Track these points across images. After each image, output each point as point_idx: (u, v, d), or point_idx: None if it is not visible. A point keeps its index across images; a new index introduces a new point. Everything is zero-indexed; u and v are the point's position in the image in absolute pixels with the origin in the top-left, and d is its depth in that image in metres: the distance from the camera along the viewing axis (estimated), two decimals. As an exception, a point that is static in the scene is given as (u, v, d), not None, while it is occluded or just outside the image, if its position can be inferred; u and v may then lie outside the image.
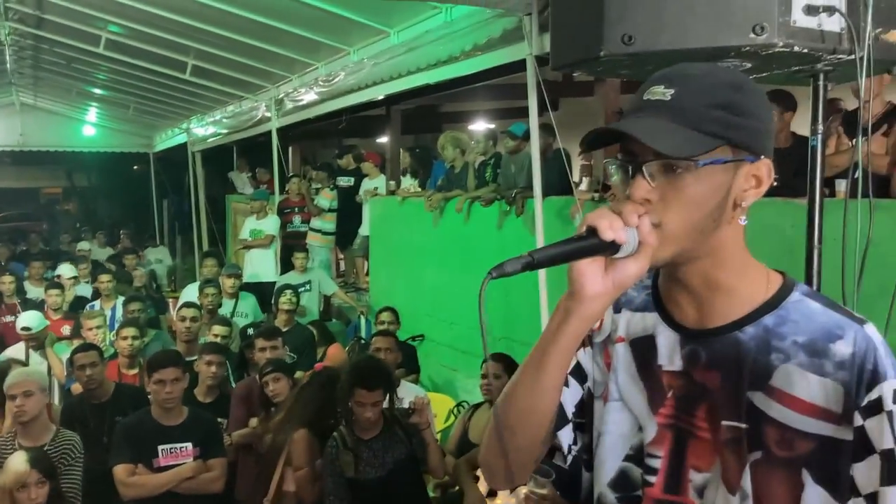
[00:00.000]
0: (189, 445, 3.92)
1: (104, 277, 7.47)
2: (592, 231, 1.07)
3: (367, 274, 9.40)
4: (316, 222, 9.58)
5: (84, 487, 4.05)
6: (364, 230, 9.17)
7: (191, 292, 7.24)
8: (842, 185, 3.79)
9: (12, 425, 4.12)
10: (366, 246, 9.21)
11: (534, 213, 5.09)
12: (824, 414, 1.10)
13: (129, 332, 5.45)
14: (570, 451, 1.32)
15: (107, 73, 10.53)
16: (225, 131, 11.51)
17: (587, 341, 1.32)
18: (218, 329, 5.75)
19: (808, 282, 2.09)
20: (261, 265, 9.05)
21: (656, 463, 1.22)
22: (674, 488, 1.20)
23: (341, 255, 10.76)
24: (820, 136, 2.04)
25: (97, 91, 12.68)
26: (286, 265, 8.72)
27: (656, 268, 1.16)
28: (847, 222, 1.90)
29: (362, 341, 6.78)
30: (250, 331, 5.96)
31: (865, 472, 1.08)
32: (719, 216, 1.12)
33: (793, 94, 4.46)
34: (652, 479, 1.22)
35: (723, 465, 1.16)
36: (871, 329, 1.13)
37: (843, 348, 1.10)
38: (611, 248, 1.07)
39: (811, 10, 1.69)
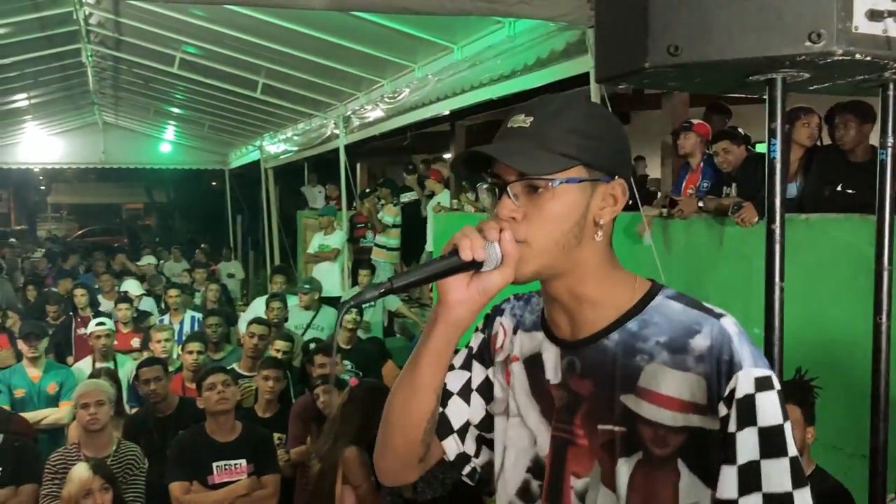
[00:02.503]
0: (243, 462, 3.93)
1: (173, 292, 7.61)
2: (454, 250, 1.15)
3: (430, 290, 9.37)
4: (380, 238, 9.63)
5: (148, 500, 4.12)
6: (430, 246, 9.16)
7: (258, 306, 7.33)
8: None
9: (77, 436, 4.21)
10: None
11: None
12: (691, 407, 1.15)
13: (195, 346, 5.53)
14: (468, 461, 1.41)
15: (182, 93, 10.84)
16: (296, 148, 11.69)
17: (492, 360, 1.39)
18: (280, 344, 5.78)
19: (878, 307, 1.95)
20: (327, 279, 9.10)
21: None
22: (555, 497, 1.26)
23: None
24: (889, 150, 1.89)
25: (174, 110, 13.06)
26: (356, 280, 8.77)
27: (521, 283, 1.21)
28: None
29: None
30: (312, 345, 5.97)
31: (729, 456, 1.12)
32: (580, 233, 1.19)
33: (873, 105, 4.24)
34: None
35: (601, 468, 1.21)
36: (727, 321, 1.17)
37: (701, 342, 1.15)
38: (472, 265, 1.15)
39: (875, 15, 1.57)
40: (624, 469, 1.18)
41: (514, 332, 1.36)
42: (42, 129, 14.76)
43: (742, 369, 1.12)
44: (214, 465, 3.91)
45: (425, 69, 7.03)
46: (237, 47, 7.68)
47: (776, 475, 1.10)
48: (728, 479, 1.11)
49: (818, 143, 4.50)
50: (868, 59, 1.59)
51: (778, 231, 1.75)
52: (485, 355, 1.40)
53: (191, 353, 5.47)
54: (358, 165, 11.29)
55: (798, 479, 1.11)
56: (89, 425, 4.06)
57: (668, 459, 1.16)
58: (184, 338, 6.36)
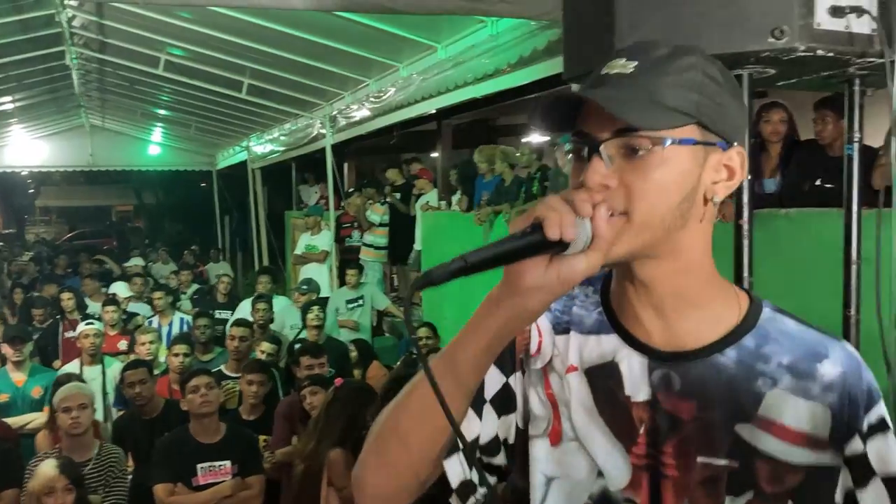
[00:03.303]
0: (227, 463, 3.93)
1: (158, 294, 7.59)
2: (538, 226, 0.89)
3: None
4: (368, 237, 9.62)
5: (133, 502, 4.11)
6: (418, 245, 9.16)
7: (245, 308, 7.33)
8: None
9: (58, 440, 4.20)
10: (420, 260, 9.19)
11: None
12: (811, 441, 1.00)
13: (181, 348, 5.54)
14: (473, 492, 1.09)
15: (168, 94, 10.80)
16: (282, 148, 11.68)
17: (519, 365, 1.11)
18: (265, 346, 5.78)
19: (847, 301, 1.96)
20: (315, 280, 9.11)
21: None
22: None
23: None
24: (856, 145, 1.91)
25: (160, 111, 13.02)
26: (344, 280, 8.76)
27: (611, 266, 1.00)
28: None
29: (414, 356, 6.73)
30: (297, 346, 5.98)
31: (871, 499, 1.01)
32: (687, 210, 0.97)
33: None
34: None
35: None
36: (850, 347, 1.04)
37: (830, 369, 1.01)
38: (558, 246, 0.90)
39: (837, 12, 1.58)
40: None
41: (562, 333, 1.10)
42: (28, 133, 14.69)
43: (881, 401, 1.01)
44: (199, 466, 3.91)
45: (410, 68, 7.03)
46: (222, 48, 7.66)
47: None
48: None
49: (796, 137, 4.54)
50: (830, 54, 1.60)
51: (746, 227, 1.76)
52: (505, 359, 1.10)
53: (177, 355, 5.47)
54: (346, 165, 11.26)
55: None
56: (71, 429, 4.05)
57: (777, 499, 1.00)
58: (171, 340, 6.37)
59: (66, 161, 16.06)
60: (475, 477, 1.08)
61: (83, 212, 33.87)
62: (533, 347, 1.11)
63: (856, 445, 1.00)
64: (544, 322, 1.11)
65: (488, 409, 1.10)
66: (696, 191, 0.98)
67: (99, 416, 5.02)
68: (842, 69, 1.75)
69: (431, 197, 9.13)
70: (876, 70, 1.74)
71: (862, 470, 1.00)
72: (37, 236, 28.01)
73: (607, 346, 1.07)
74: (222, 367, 5.54)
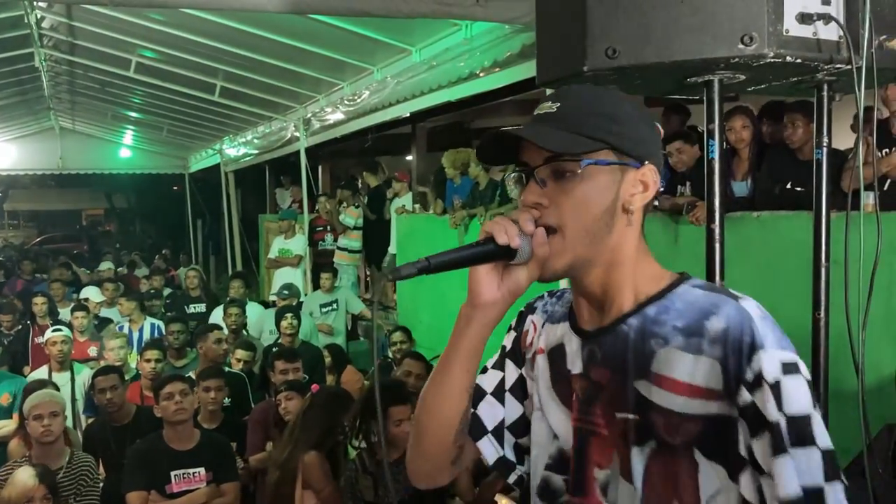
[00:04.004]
0: (202, 470, 3.89)
1: (121, 300, 7.51)
2: (489, 238, 1.14)
3: (394, 292, 9.36)
4: (342, 240, 9.58)
5: (104, 511, 4.06)
6: (393, 248, 9.14)
7: (217, 313, 7.27)
8: (869, 198, 3.66)
9: (29, 447, 4.13)
10: (394, 264, 9.17)
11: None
12: (706, 393, 1.09)
13: (153, 354, 5.46)
14: (512, 469, 1.36)
15: (139, 97, 10.70)
16: (256, 151, 11.61)
17: (523, 359, 1.36)
18: (241, 353, 5.73)
19: (816, 303, 1.99)
20: (296, 285, 9.06)
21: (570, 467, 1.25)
22: (580, 489, 1.22)
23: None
24: (825, 149, 1.94)
25: (132, 114, 12.89)
26: (318, 284, 8.73)
27: (552, 279, 1.19)
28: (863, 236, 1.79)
29: (388, 360, 6.71)
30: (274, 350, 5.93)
31: (760, 448, 1.05)
32: (610, 220, 1.16)
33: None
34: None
35: (619, 458, 1.16)
36: (747, 303, 1.10)
37: (716, 324, 1.09)
38: (506, 254, 1.14)
39: (805, 19, 1.60)
40: (637, 459, 1.14)
41: (543, 325, 1.34)
42: (-4, 135, 14.51)
43: (764, 349, 1.05)
44: (173, 473, 3.85)
45: (384, 71, 7.03)
46: (194, 50, 7.60)
47: (806, 468, 1.02)
48: (788, 472, 1.02)
49: (764, 140, 4.60)
50: (799, 61, 1.62)
51: (717, 230, 1.78)
52: (517, 354, 1.37)
53: (149, 361, 5.40)
54: (320, 167, 11.22)
55: (831, 473, 1.02)
56: (43, 437, 3.98)
57: (683, 449, 1.10)
58: (143, 345, 6.29)
59: (36, 164, 15.84)
60: (510, 455, 1.35)
61: (53, 216, 33.44)
62: (528, 341, 1.36)
63: (745, 396, 1.06)
64: (539, 321, 1.35)
65: (509, 397, 1.36)
66: (615, 203, 1.17)
67: (69, 423, 4.94)
68: (810, 75, 1.77)
69: (407, 200, 9.12)
70: (843, 76, 1.76)
71: (754, 420, 1.05)
72: (5, 241, 27.58)
73: (561, 331, 1.29)
74: (192, 374, 5.48)
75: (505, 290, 1.18)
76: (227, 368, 5.61)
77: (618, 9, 1.66)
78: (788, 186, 4.23)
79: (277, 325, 6.40)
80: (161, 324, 7.42)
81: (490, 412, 1.35)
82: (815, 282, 1.99)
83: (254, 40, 6.82)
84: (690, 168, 4.74)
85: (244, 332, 6.85)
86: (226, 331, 6.34)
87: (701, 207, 4.17)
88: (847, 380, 1.98)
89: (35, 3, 7.00)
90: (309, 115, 8.88)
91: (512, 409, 1.36)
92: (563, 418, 1.25)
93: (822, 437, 1.04)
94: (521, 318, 1.38)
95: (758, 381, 1.05)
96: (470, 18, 5.08)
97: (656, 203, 5.03)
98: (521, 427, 1.35)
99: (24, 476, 3.46)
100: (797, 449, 1.02)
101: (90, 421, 5.18)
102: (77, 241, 25.68)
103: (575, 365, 1.23)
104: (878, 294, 1.81)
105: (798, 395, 1.04)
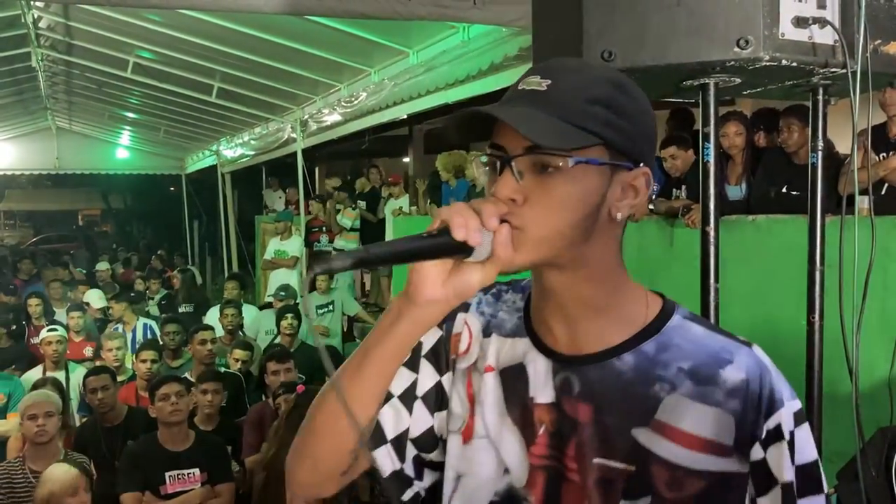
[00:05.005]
0: (196, 471, 3.88)
1: (113, 302, 7.49)
2: (445, 229, 0.93)
3: (390, 292, 9.36)
4: (339, 242, 9.60)
5: (96, 512, 4.04)
6: (388, 250, 9.13)
7: (214, 315, 7.25)
8: (864, 203, 3.68)
9: (18, 450, 4.12)
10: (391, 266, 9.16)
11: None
12: (714, 447, 1.00)
13: (148, 354, 5.45)
14: (409, 484, 1.15)
15: (136, 97, 10.71)
16: (253, 153, 11.61)
17: (451, 365, 1.14)
18: (238, 353, 5.73)
19: (811, 307, 1.99)
20: (294, 287, 9.05)
21: None
22: None
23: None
24: (820, 154, 1.94)
25: (129, 114, 12.89)
26: (313, 285, 8.72)
27: (510, 273, 1.01)
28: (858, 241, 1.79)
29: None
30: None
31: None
32: (591, 226, 0.99)
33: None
34: None
35: None
36: (759, 351, 1.03)
37: (733, 374, 1.00)
38: (461, 251, 0.94)
39: (801, 22, 1.61)
40: None
41: (486, 336, 1.13)
42: (-8, 135, 14.49)
43: (784, 406, 1.00)
44: (167, 474, 3.84)
45: (382, 73, 7.04)
46: (191, 51, 7.61)
47: None
48: None
49: (757, 144, 4.63)
50: (794, 64, 1.63)
51: (712, 234, 1.78)
52: (440, 358, 1.14)
53: (144, 361, 5.39)
54: (317, 169, 11.22)
55: None
56: (37, 437, 3.97)
57: None
58: (137, 346, 6.28)
59: (32, 164, 15.84)
60: (409, 470, 1.14)
61: (49, 216, 33.40)
62: (462, 347, 1.14)
63: (757, 453, 1.00)
64: (475, 324, 1.15)
65: (419, 405, 1.14)
66: (600, 208, 0.99)
67: (63, 422, 4.92)
68: (806, 79, 1.78)
69: (403, 202, 9.13)
70: (839, 80, 1.76)
71: (763, 477, 1.00)
72: (1, 241, 27.54)
73: (519, 348, 1.10)
74: (188, 374, 5.47)
75: (451, 290, 0.97)
76: (223, 369, 5.61)
77: (614, 12, 1.66)
78: (784, 190, 4.25)
79: (278, 324, 6.40)
80: (153, 324, 7.41)
81: (393, 418, 1.13)
82: (809, 285, 1.99)
83: (251, 41, 6.83)
84: (686, 172, 4.75)
85: (240, 332, 6.84)
86: (222, 331, 6.34)
87: (696, 210, 4.18)
88: (841, 383, 1.99)
89: (32, 2, 7.00)
90: (306, 117, 8.90)
91: (420, 420, 1.14)
92: (517, 451, 1.07)
93: (823, 478, 1.02)
94: (450, 315, 1.10)
95: (773, 438, 1.00)
96: (467, 21, 5.09)
97: (651, 207, 5.03)
98: (428, 441, 1.14)
99: (59, 472, 3.44)
100: (805, 500, 1.00)
101: (83, 421, 5.16)
102: (73, 242, 25.64)
103: (541, 393, 1.06)
104: (872, 298, 1.81)
105: (808, 444, 1.01)
